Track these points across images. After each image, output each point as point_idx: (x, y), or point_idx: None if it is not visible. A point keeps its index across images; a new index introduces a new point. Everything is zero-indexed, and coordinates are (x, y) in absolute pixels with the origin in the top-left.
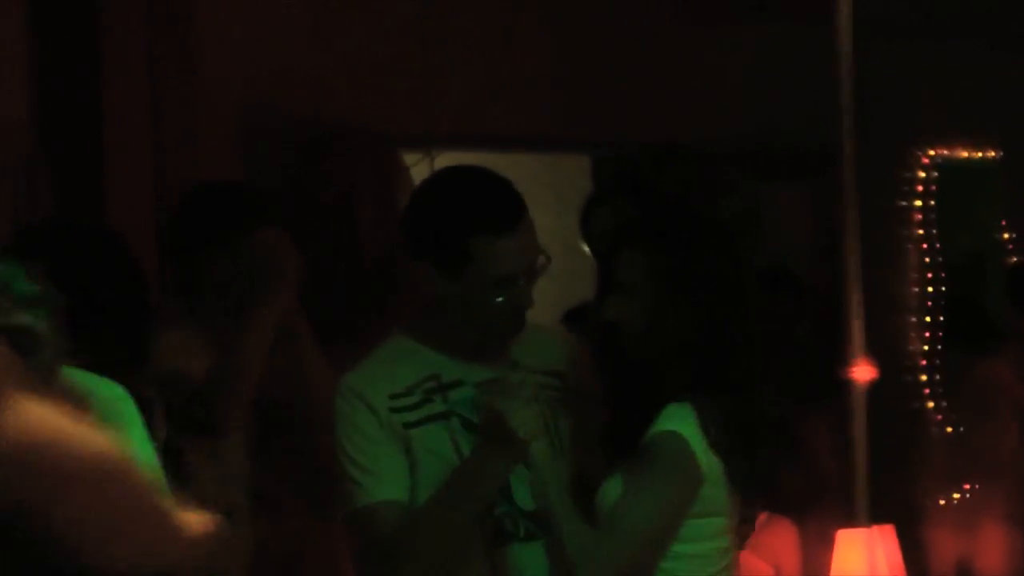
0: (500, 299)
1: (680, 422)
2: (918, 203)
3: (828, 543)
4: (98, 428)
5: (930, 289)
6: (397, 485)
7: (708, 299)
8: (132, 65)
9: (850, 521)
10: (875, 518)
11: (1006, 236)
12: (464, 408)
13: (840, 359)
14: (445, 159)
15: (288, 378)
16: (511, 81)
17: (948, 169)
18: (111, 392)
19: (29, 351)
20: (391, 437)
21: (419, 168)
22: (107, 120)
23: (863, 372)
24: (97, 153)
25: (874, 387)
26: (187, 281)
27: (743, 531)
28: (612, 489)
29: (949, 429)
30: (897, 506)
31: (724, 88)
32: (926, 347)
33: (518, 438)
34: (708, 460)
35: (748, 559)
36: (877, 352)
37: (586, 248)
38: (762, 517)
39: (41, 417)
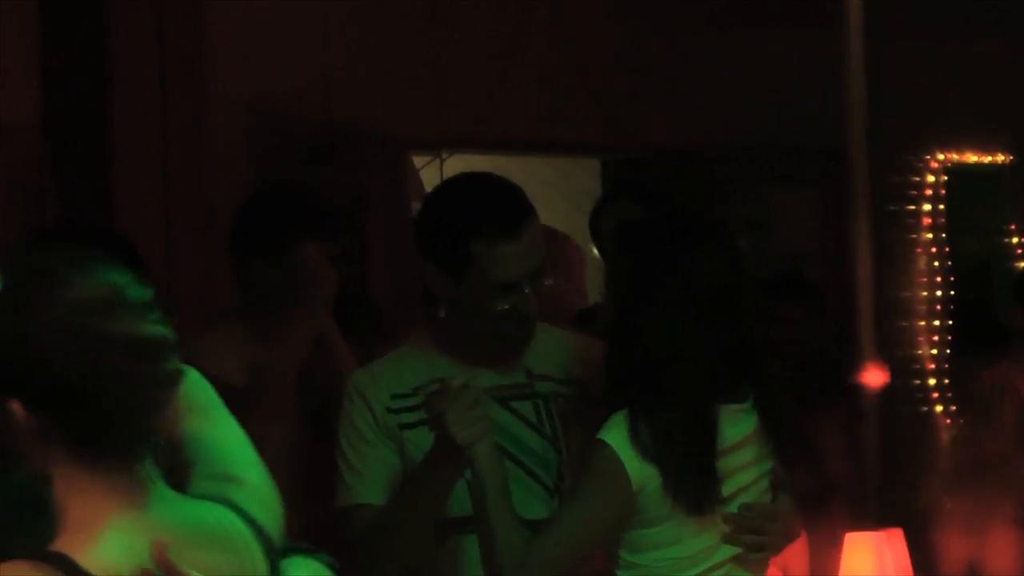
0: (504, 305)
1: (611, 431)
2: (927, 207)
3: (836, 546)
4: None
5: (939, 293)
6: (378, 488)
7: (664, 306)
8: (141, 68)
9: (858, 524)
10: (883, 521)
11: (1015, 240)
12: None
13: (850, 363)
14: (454, 162)
15: (327, 385)
16: (521, 84)
17: (957, 174)
18: (189, 375)
19: (161, 359)
20: (385, 437)
21: (428, 170)
22: (116, 123)
23: (874, 376)
24: (105, 156)
25: (883, 391)
26: (239, 284)
27: (759, 543)
28: None
29: (957, 432)
30: (906, 509)
31: (734, 92)
32: (934, 351)
33: (458, 442)
34: (641, 469)
35: None
36: (886, 356)
37: (595, 250)
38: None
39: None
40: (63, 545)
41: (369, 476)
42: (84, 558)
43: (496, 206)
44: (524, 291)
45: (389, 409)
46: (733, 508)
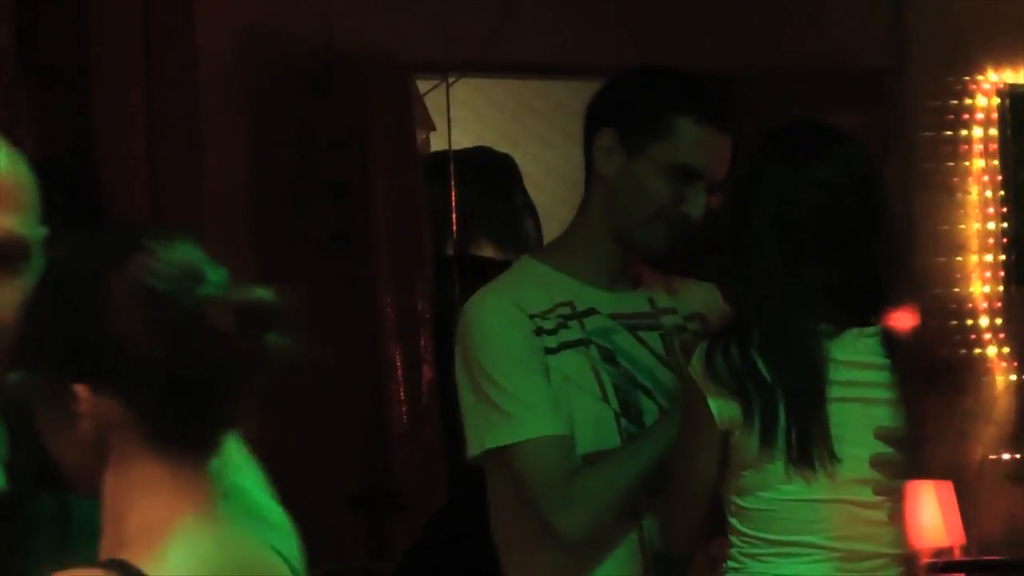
0: (679, 188)
1: (693, 360)
2: (978, 133)
3: None
4: None
5: (991, 226)
6: (555, 417)
7: (758, 225)
8: None
9: None
10: (932, 473)
11: None
12: (600, 337)
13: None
14: (462, 87)
15: None
16: (536, 2)
17: (1013, 96)
18: None
19: (261, 329)
20: (540, 362)
21: (433, 96)
22: (96, 50)
23: (902, 319)
24: (85, 85)
25: (931, 332)
26: None
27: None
28: None
29: (1013, 377)
30: (957, 461)
31: (766, 7)
32: (987, 288)
33: None
34: (720, 400)
35: None
36: (934, 294)
37: None
38: None
39: None
40: (124, 553)
41: (540, 405)
42: (151, 567)
43: (713, 95)
44: (699, 187)
45: (535, 331)
46: (847, 466)
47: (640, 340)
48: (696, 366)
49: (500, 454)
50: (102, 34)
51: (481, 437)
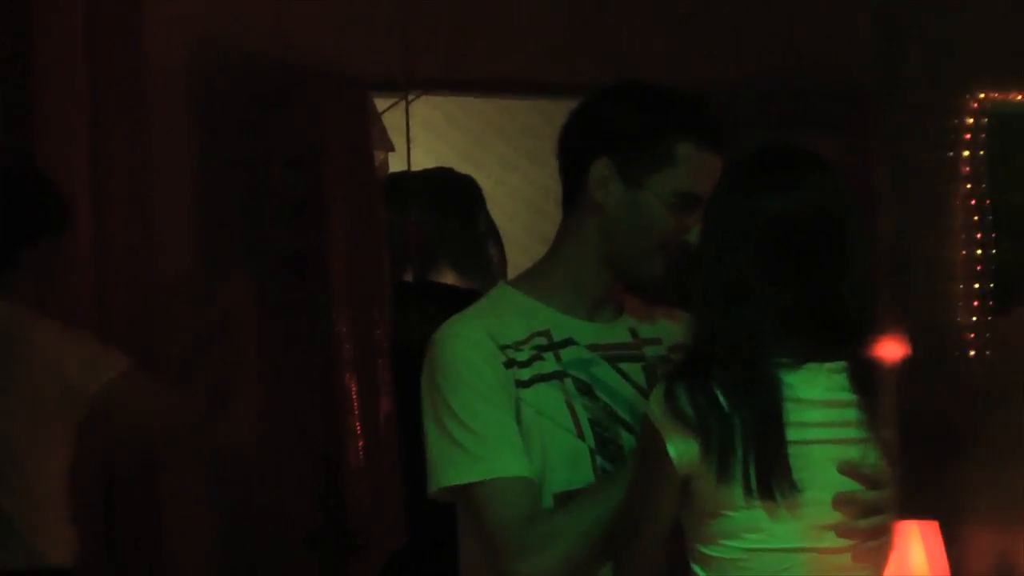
0: (680, 218)
1: (652, 398)
2: (965, 154)
3: None
4: None
5: (979, 252)
6: (518, 456)
7: (720, 252)
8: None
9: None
10: (917, 512)
11: None
12: (577, 369)
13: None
14: (422, 104)
15: None
16: (502, 15)
17: (1001, 116)
18: None
19: None
20: (509, 399)
21: (392, 114)
22: (39, 59)
23: (891, 349)
24: (28, 96)
25: (917, 363)
26: None
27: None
28: None
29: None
30: (943, 498)
31: (743, 22)
32: (974, 318)
33: None
34: (681, 441)
35: None
36: (920, 324)
37: None
38: None
39: None
40: None
41: (504, 444)
42: None
43: (709, 115)
44: (696, 214)
45: (505, 363)
46: (813, 512)
47: (621, 372)
48: (654, 408)
49: (462, 492)
50: (46, 45)
51: (442, 473)
